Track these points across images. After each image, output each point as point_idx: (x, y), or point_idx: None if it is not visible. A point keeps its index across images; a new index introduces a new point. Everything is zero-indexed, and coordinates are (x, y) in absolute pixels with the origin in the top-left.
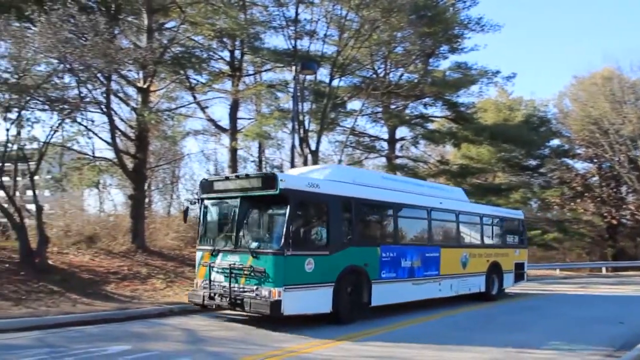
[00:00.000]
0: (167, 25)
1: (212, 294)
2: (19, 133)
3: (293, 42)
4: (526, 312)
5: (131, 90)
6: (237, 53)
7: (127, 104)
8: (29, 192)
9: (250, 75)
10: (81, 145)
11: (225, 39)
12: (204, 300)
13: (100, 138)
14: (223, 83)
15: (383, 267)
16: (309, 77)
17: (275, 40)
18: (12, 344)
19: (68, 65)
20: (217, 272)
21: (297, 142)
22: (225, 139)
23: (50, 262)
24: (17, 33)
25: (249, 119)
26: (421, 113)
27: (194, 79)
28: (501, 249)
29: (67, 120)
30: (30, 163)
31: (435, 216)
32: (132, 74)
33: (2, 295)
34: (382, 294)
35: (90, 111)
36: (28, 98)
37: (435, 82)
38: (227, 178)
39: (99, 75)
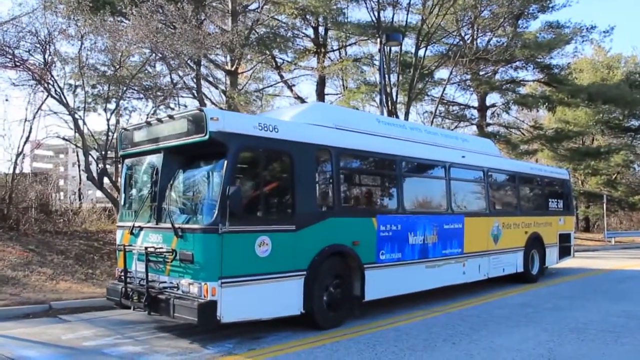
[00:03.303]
0: (250, 7)
1: (128, 290)
2: (118, 122)
3: (376, 13)
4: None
5: (220, 74)
6: (321, 29)
7: (217, 87)
8: None
9: (335, 50)
10: None
11: (308, 16)
12: (121, 297)
13: None
14: (308, 60)
15: (382, 245)
16: (394, 49)
17: (358, 14)
18: (124, 320)
19: (159, 54)
20: (139, 258)
21: (385, 115)
22: None
23: None
24: (111, 28)
25: (336, 94)
26: (512, 78)
27: (280, 58)
28: (542, 217)
29: (162, 107)
30: None
31: (456, 174)
32: (220, 57)
33: (112, 275)
34: (381, 283)
35: (182, 96)
36: (125, 88)
37: (526, 44)
38: (148, 123)
39: (188, 61)
